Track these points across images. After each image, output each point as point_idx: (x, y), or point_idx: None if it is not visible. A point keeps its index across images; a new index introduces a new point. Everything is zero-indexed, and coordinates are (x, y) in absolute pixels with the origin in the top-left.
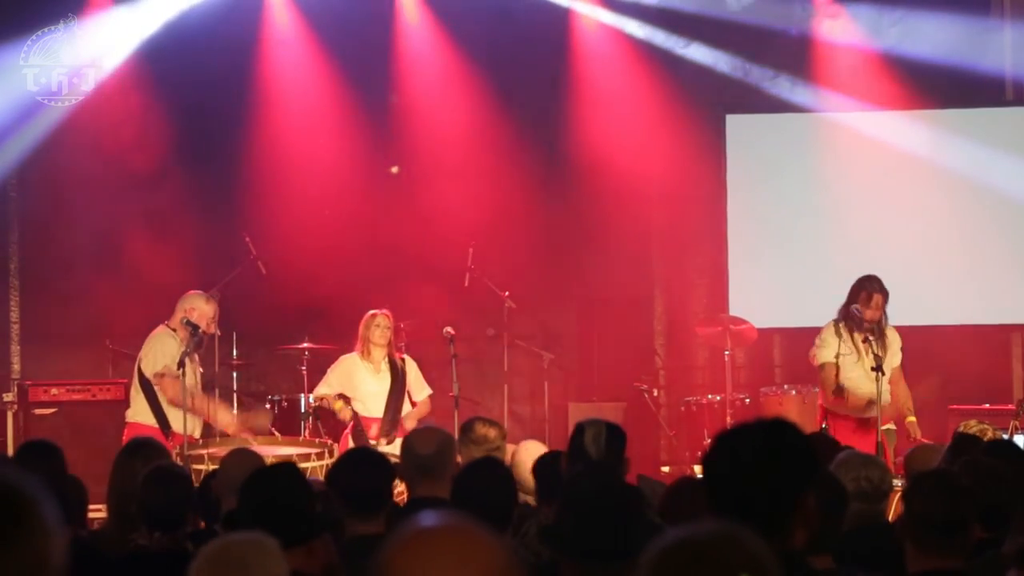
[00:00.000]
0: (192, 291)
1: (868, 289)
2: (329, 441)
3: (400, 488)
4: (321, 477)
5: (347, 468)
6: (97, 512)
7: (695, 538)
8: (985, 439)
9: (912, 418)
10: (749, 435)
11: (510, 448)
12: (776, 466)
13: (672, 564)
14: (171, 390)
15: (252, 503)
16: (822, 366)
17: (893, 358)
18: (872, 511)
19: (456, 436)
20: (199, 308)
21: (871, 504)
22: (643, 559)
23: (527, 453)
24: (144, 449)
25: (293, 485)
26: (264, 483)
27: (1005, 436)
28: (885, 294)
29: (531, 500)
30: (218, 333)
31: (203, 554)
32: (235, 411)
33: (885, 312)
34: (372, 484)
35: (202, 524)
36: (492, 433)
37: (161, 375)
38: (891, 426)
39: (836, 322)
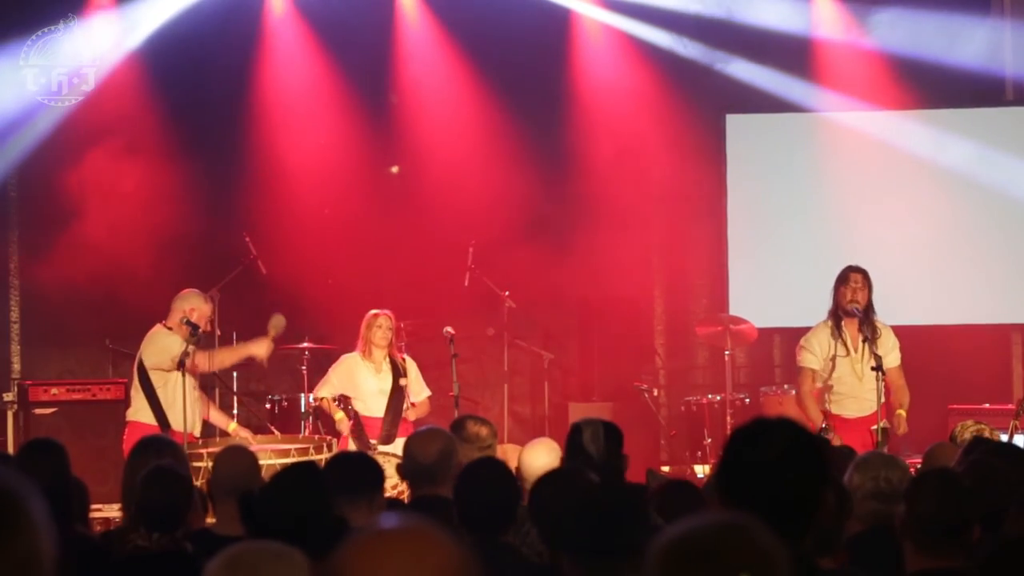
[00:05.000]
0: (188, 290)
1: (844, 272)
2: (329, 437)
3: (401, 487)
4: None
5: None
6: (97, 512)
7: (704, 532)
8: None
9: (902, 412)
10: (772, 432)
11: (514, 448)
12: (803, 463)
13: (681, 559)
14: (202, 364)
15: (274, 510)
16: (801, 369)
17: (888, 356)
18: (889, 511)
19: None
20: (199, 308)
21: (888, 504)
22: (649, 554)
23: (533, 458)
24: (155, 446)
25: (317, 492)
26: (287, 489)
27: (1003, 436)
28: (863, 272)
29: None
30: (218, 332)
31: (223, 555)
32: (265, 339)
33: (872, 304)
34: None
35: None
36: (484, 431)
37: (181, 362)
38: (884, 423)
39: (830, 323)
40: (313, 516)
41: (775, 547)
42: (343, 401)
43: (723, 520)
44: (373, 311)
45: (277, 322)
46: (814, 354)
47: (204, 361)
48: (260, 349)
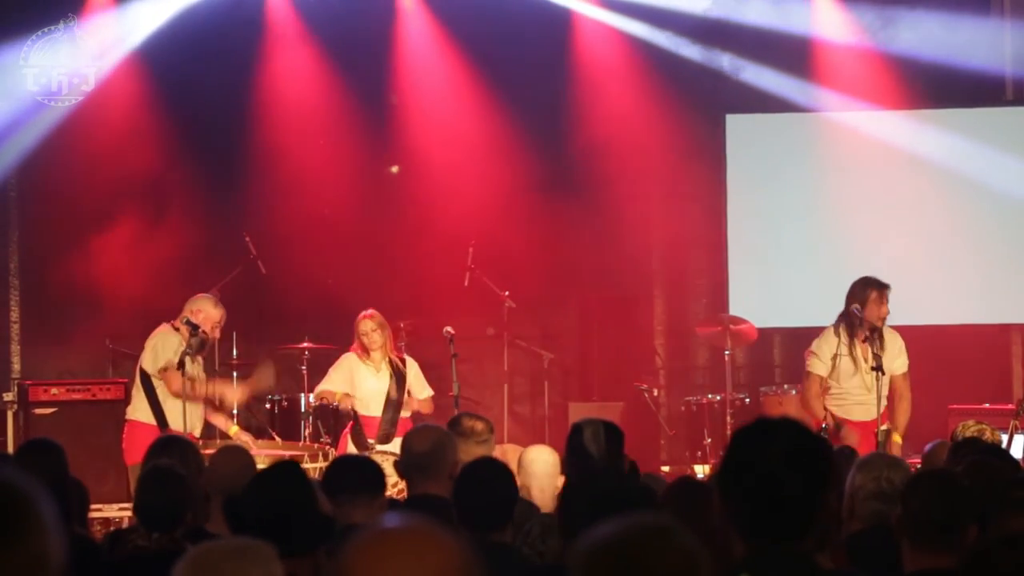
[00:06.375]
0: (201, 294)
1: (878, 288)
2: (327, 445)
3: (401, 486)
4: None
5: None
6: (97, 512)
7: (626, 535)
8: (983, 439)
9: (898, 439)
10: (775, 432)
11: (514, 448)
12: (805, 464)
13: (603, 562)
14: (175, 384)
15: (255, 510)
16: (808, 374)
17: (893, 362)
18: (889, 512)
19: None
20: (206, 311)
21: (890, 505)
22: (572, 556)
23: (535, 456)
24: (168, 447)
25: (299, 490)
26: (269, 488)
27: (1004, 436)
28: (889, 287)
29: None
30: (217, 333)
31: (187, 555)
32: (237, 384)
33: None
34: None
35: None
36: (479, 426)
37: (164, 369)
38: (888, 426)
39: (836, 326)
40: (296, 515)
41: (697, 550)
42: (344, 392)
43: (646, 523)
44: (361, 313)
45: (264, 374)
46: (823, 361)
47: (178, 382)
48: (234, 396)
